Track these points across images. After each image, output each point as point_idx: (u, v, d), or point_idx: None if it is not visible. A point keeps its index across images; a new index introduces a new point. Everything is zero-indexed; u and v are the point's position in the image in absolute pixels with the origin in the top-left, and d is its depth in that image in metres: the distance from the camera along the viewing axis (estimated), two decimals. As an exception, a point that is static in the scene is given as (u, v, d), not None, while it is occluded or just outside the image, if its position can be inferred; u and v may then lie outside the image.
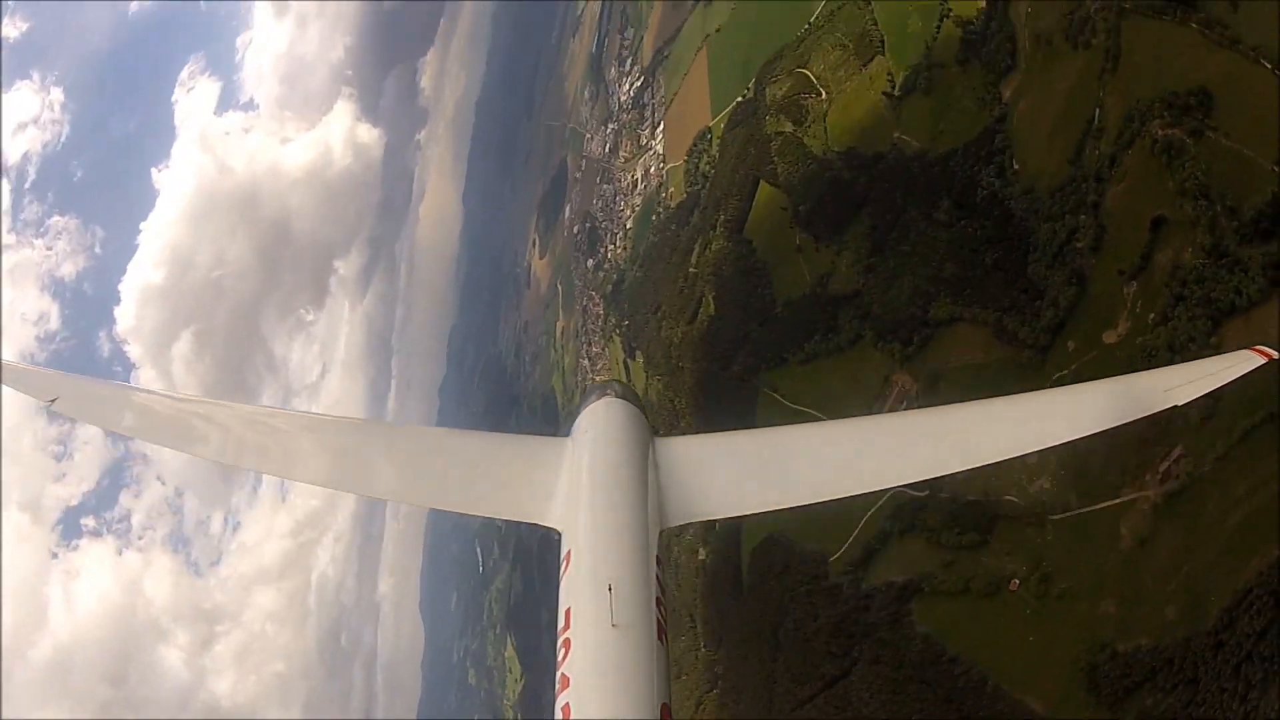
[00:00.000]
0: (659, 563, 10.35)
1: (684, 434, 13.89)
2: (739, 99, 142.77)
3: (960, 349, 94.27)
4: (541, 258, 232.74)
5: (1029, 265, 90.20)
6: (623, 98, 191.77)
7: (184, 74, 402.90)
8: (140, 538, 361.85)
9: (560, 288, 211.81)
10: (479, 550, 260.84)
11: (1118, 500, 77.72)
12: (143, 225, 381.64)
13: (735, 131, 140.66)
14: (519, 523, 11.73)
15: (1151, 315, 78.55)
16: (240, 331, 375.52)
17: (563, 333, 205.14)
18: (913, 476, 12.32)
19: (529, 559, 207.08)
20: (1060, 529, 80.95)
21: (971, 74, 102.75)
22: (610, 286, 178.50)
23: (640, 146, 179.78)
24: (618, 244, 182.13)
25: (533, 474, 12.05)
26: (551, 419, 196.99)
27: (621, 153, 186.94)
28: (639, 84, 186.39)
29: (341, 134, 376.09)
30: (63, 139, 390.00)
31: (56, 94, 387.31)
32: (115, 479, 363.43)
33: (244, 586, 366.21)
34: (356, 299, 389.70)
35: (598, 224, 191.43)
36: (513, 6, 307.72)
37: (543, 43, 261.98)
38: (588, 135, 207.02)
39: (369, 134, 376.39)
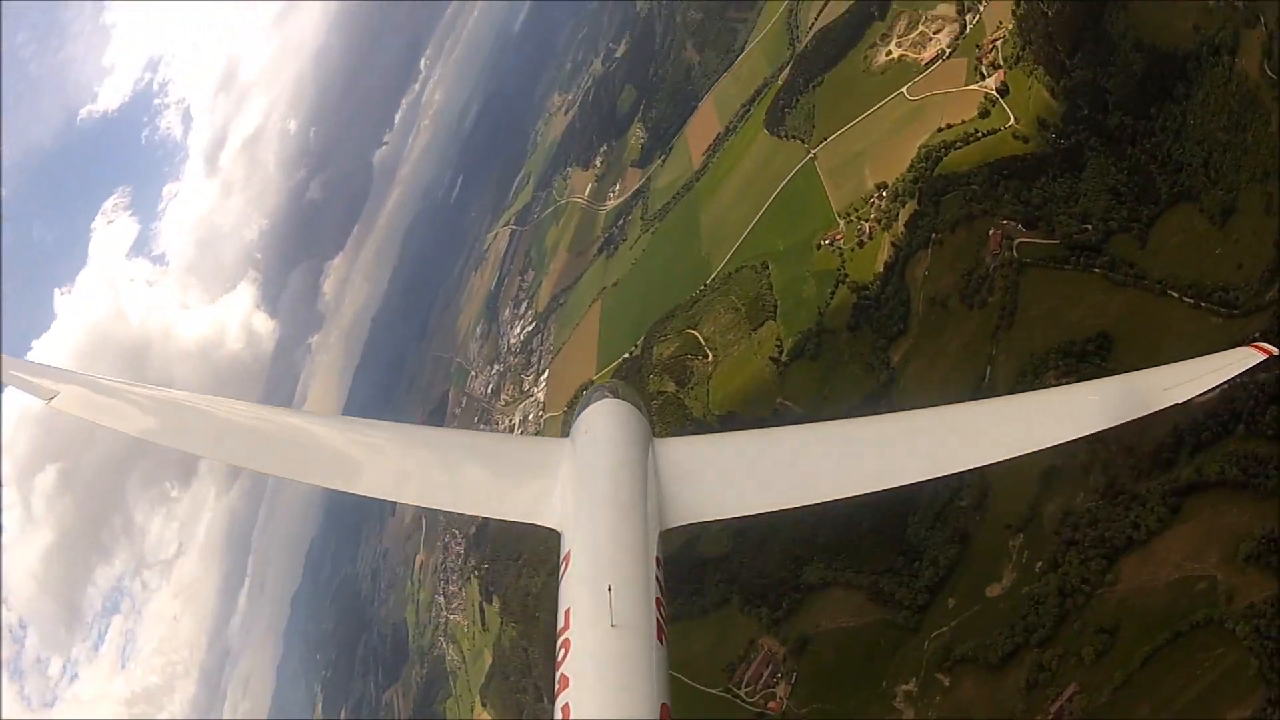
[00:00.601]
0: (659, 563, 10.48)
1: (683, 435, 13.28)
2: (625, 355, 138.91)
3: (832, 612, 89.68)
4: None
5: (908, 528, 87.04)
6: (513, 340, 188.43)
7: (109, 203, 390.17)
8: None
9: (424, 521, 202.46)
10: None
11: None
12: (35, 343, 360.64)
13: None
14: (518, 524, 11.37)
15: (1040, 564, 77.09)
16: (104, 485, 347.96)
17: (421, 567, 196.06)
18: (913, 477, 11.83)
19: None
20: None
21: (861, 339, 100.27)
22: (474, 528, 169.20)
23: (522, 392, 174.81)
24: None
25: (533, 474, 12.09)
26: (401, 650, 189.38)
27: (503, 395, 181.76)
28: (530, 329, 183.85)
29: (239, 317, 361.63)
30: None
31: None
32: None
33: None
34: (223, 489, 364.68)
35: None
36: (421, 229, 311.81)
37: (446, 271, 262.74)
38: (473, 373, 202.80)
39: (265, 325, 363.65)
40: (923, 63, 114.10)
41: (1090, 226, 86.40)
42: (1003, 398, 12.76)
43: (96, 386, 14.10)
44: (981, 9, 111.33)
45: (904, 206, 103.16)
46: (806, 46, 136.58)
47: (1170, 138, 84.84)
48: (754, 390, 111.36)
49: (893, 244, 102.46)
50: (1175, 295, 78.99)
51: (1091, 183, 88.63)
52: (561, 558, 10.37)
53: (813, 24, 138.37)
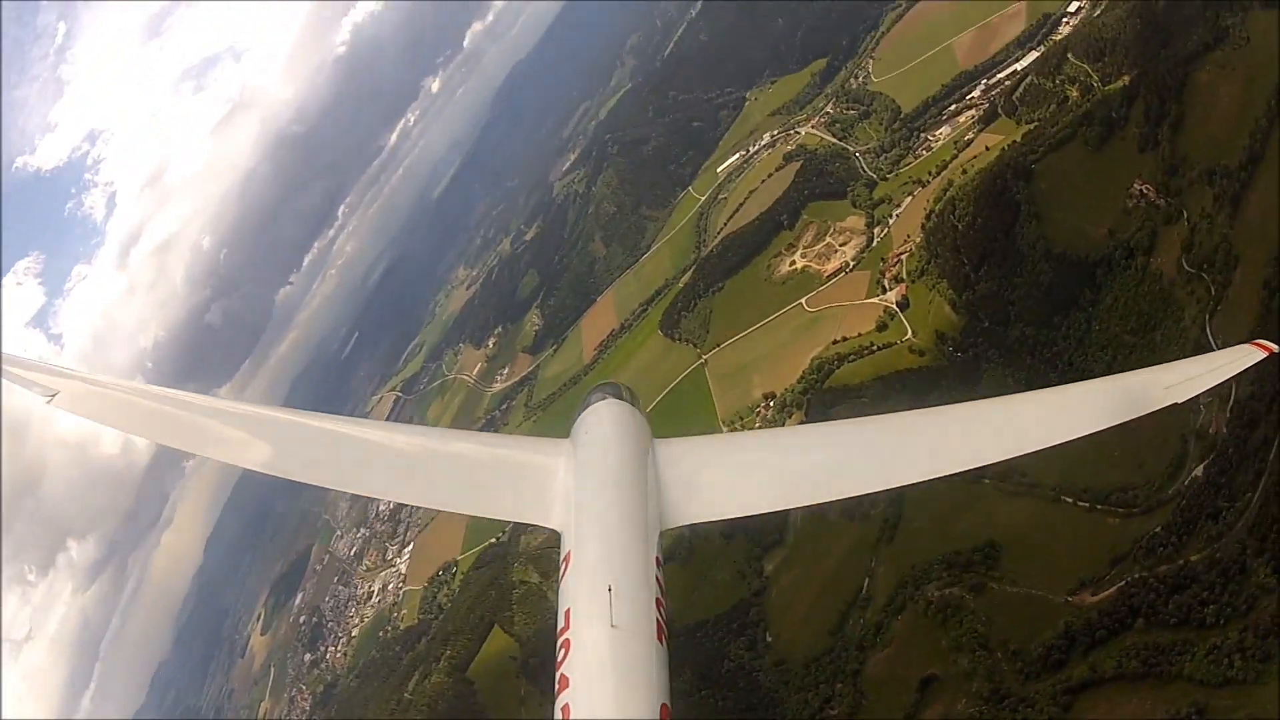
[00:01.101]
0: (659, 563, 9.88)
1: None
2: (493, 540, 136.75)
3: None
4: (263, 634, 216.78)
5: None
6: (382, 506, 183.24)
7: (22, 264, 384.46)
8: None
9: (273, 671, 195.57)
10: None
11: None
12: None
13: (481, 571, 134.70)
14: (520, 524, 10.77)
15: (915, 773, 71.52)
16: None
17: (265, 715, 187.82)
18: (913, 477, 11.12)
19: None
20: None
21: (735, 547, 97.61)
22: (322, 687, 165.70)
23: (385, 560, 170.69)
24: (339, 648, 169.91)
25: (533, 475, 11.46)
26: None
27: (366, 560, 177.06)
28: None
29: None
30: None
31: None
32: None
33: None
34: (80, 587, 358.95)
35: (325, 621, 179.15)
36: (310, 378, 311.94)
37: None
38: (339, 532, 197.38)
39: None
40: (825, 274, 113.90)
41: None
42: (1003, 397, 11.74)
43: (97, 385, 13.64)
44: (891, 222, 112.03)
45: (790, 417, 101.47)
46: (712, 251, 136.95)
47: (1073, 345, 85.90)
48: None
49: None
50: (1070, 500, 77.65)
51: (986, 395, 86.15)
52: (561, 558, 9.70)
53: (722, 229, 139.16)
